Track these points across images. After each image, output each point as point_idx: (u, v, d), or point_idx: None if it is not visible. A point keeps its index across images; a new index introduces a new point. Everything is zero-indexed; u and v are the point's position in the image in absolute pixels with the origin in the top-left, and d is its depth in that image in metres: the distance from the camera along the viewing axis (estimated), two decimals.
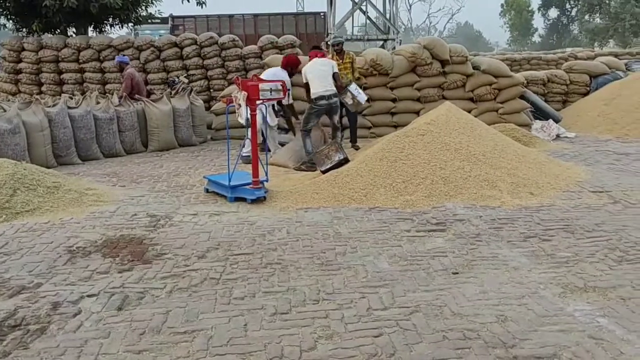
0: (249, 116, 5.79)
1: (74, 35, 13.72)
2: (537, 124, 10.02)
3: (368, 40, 25.06)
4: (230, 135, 6.50)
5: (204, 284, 3.70)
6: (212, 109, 10.67)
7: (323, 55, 7.89)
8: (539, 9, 52.51)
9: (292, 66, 8.17)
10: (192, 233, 4.78)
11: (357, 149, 8.33)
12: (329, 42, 20.92)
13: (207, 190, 6.15)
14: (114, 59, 11.46)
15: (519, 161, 6.18)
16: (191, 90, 10.44)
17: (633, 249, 4.16)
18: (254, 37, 16.99)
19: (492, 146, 6.27)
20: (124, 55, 11.61)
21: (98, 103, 9.17)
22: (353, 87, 8.17)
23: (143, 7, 15.21)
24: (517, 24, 55.78)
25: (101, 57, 12.51)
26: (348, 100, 8.07)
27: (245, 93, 5.60)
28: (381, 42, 23.02)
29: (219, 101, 10.42)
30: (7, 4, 13.19)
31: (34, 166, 6.02)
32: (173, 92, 10.12)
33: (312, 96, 7.38)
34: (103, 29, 14.98)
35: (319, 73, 7.43)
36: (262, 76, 7.18)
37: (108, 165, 8.11)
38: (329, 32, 21.68)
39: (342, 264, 3.98)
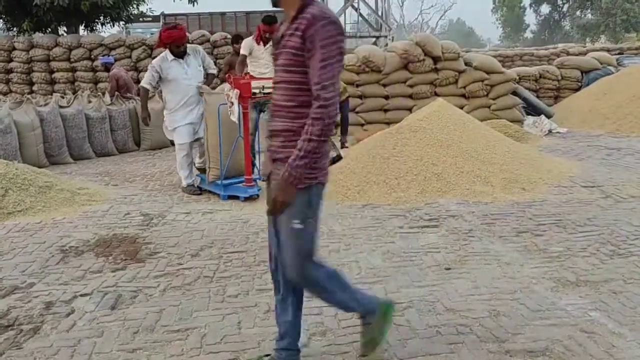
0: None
1: (65, 34, 13.67)
2: (529, 119, 10.06)
3: (360, 37, 25.08)
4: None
5: (197, 282, 3.70)
6: None
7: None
8: (530, 5, 52.70)
9: (173, 42, 5.98)
10: (185, 231, 4.77)
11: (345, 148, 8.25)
12: None
13: (200, 189, 6.14)
14: (103, 57, 11.42)
15: (511, 157, 6.20)
16: None
17: (624, 243, 4.19)
18: (246, 35, 16.93)
19: (485, 142, 6.29)
20: (109, 55, 11.59)
21: (90, 102, 9.14)
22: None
23: (134, 6, 15.18)
24: (509, 20, 55.93)
25: (92, 56, 12.47)
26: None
27: (238, 91, 5.59)
28: (373, 39, 23.04)
29: None
30: None
31: (26, 166, 5.99)
32: None
33: None
34: (94, 28, 14.92)
35: None
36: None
37: (100, 165, 8.08)
38: None
39: (335, 261, 3.98)
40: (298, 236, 2.36)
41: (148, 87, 6.15)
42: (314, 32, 2.17)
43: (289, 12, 2.32)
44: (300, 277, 2.44)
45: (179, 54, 6.00)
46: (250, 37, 6.77)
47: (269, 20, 6.50)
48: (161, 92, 9.70)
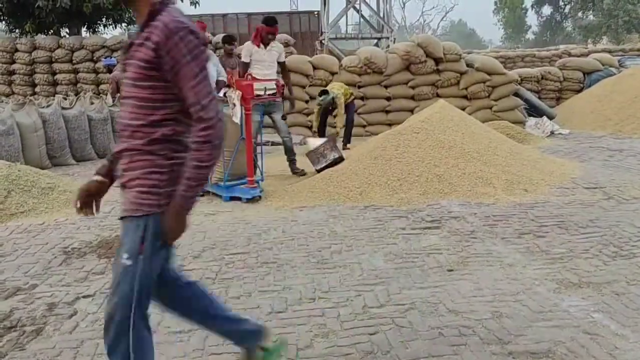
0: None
1: (67, 36, 13.70)
2: (531, 121, 10.06)
3: (362, 38, 25.08)
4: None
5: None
6: None
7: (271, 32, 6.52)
8: (532, 6, 52.71)
9: None
10: (187, 233, 4.75)
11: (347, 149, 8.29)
12: (323, 41, 20.94)
13: (202, 190, 6.13)
14: (106, 59, 11.45)
15: (513, 158, 6.20)
16: None
17: (627, 245, 4.18)
18: (247, 37, 16.96)
19: (486, 143, 6.29)
20: (111, 57, 11.62)
21: (92, 103, 9.17)
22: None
23: None
24: (511, 22, 55.92)
25: (95, 58, 12.50)
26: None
27: (240, 92, 5.60)
28: (375, 41, 23.05)
29: None
30: None
31: (29, 167, 6.00)
32: None
33: None
34: (96, 29, 14.96)
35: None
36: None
37: None
38: (322, 30, 21.69)
39: (337, 262, 3.99)
40: (125, 275, 1.98)
41: None
42: (172, 46, 1.89)
43: (139, 17, 2.02)
44: (110, 329, 2.01)
45: None
46: (249, 42, 6.64)
47: (272, 22, 6.48)
48: None
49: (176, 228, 2.02)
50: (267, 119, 6.77)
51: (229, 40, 8.13)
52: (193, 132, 1.93)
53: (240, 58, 7.30)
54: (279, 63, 6.69)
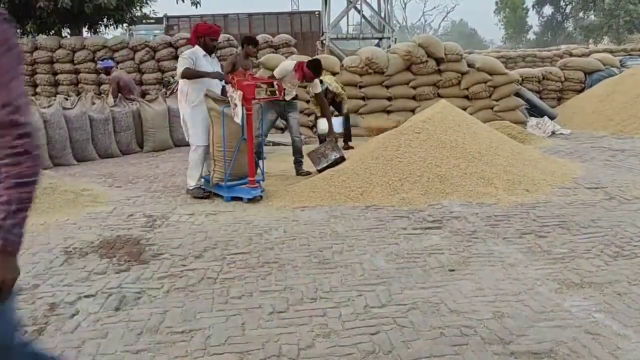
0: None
1: (68, 36, 13.71)
2: (533, 121, 10.05)
3: (363, 39, 25.08)
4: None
5: (201, 283, 3.70)
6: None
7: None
8: (533, 7, 52.66)
9: (210, 35, 6.11)
10: (188, 233, 4.77)
11: (351, 148, 8.29)
12: (324, 42, 20.94)
13: (203, 190, 6.14)
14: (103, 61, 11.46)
15: (514, 158, 6.19)
16: None
17: (628, 245, 4.17)
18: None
19: (488, 143, 6.28)
20: (108, 59, 11.64)
21: (93, 104, 9.16)
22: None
23: (137, 8, 15.22)
24: (512, 22, 55.87)
25: (96, 58, 12.51)
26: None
27: (241, 92, 5.59)
28: (376, 41, 23.04)
29: None
30: (0, 5, 13.18)
31: None
32: (168, 92, 10.13)
33: None
34: (98, 30, 14.97)
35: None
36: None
37: (104, 166, 8.09)
38: (323, 31, 21.70)
39: (339, 262, 3.99)
40: None
41: (189, 65, 5.85)
42: None
43: None
44: None
45: (212, 48, 6.05)
46: (293, 68, 6.68)
47: (319, 72, 6.87)
48: (165, 93, 9.56)
49: (3, 274, 1.59)
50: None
51: (254, 42, 8.17)
52: (3, 143, 1.52)
53: (253, 55, 7.63)
54: (315, 94, 7.14)
